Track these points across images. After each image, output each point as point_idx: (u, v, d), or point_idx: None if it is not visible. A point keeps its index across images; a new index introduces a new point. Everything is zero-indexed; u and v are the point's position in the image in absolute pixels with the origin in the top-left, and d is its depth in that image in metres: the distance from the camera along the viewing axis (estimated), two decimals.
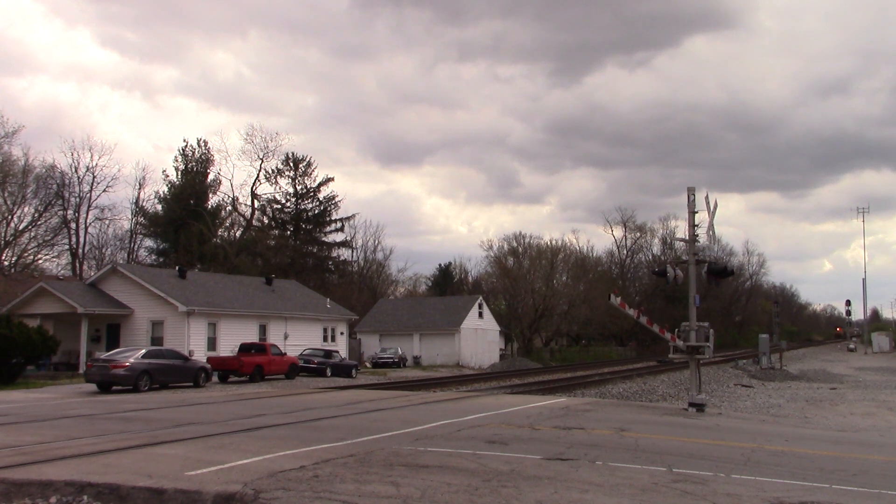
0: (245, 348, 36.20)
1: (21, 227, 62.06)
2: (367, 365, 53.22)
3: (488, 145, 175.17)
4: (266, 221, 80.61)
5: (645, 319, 21.46)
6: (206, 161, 75.79)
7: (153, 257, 72.73)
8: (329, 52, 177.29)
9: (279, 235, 78.77)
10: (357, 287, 78.43)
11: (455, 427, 14.54)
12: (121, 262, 63.80)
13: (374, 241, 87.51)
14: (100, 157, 78.76)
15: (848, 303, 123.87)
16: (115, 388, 27.24)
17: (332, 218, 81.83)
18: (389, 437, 12.94)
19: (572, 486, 8.83)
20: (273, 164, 78.49)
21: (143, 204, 73.15)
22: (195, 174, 74.67)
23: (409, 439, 12.64)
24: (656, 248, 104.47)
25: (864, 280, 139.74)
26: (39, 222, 63.24)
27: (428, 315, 64.52)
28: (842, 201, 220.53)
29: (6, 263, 59.54)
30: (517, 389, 30.42)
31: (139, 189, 72.90)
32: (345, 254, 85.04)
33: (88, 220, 67.08)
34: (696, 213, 20.29)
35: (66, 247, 66.34)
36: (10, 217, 61.07)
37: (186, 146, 75.22)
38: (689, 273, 20.28)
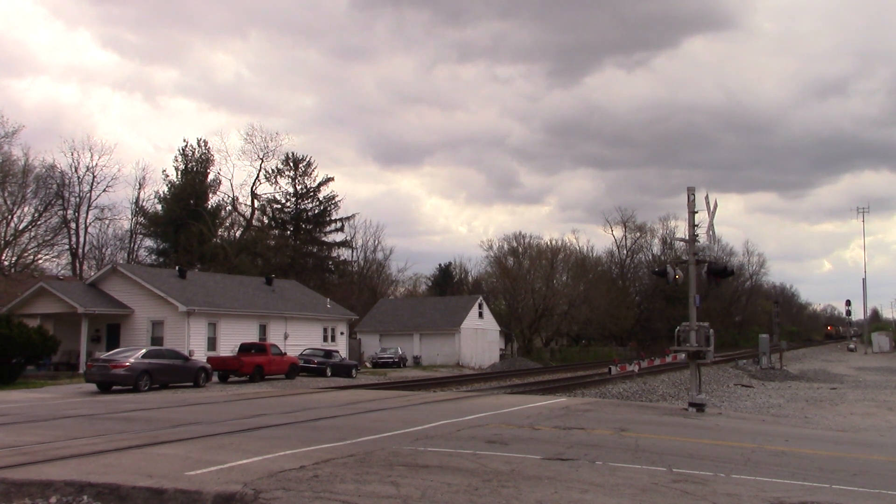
0: (245, 348, 36.18)
1: (21, 227, 62.05)
2: (367, 365, 53.21)
3: (488, 146, 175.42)
4: (266, 221, 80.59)
5: None
6: (206, 161, 75.78)
7: (153, 257, 72.70)
8: (329, 53, 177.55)
9: (279, 235, 78.74)
10: (357, 287, 78.39)
11: (455, 427, 14.54)
12: (121, 262, 63.77)
13: (374, 241, 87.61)
14: (100, 157, 78.68)
15: (848, 303, 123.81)
16: (115, 388, 27.23)
17: (332, 218, 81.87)
18: (389, 437, 12.94)
19: (572, 486, 8.83)
20: (273, 164, 78.62)
21: (143, 204, 73.21)
22: (195, 174, 74.61)
23: (409, 439, 12.63)
24: (656, 248, 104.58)
25: (864, 280, 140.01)
26: (39, 222, 63.25)
27: (428, 315, 64.50)
28: (840, 202, 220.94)
29: (6, 263, 59.51)
30: (517, 389, 30.41)
31: (139, 189, 72.97)
32: (345, 254, 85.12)
33: (88, 220, 67.15)
34: (696, 213, 20.30)
35: (66, 247, 66.38)
36: (10, 217, 61.07)
37: (186, 146, 75.28)
38: (689, 273, 20.28)
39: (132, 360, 27.37)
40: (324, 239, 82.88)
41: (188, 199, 72.32)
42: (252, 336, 41.44)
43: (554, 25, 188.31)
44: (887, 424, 22.04)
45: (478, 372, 51.01)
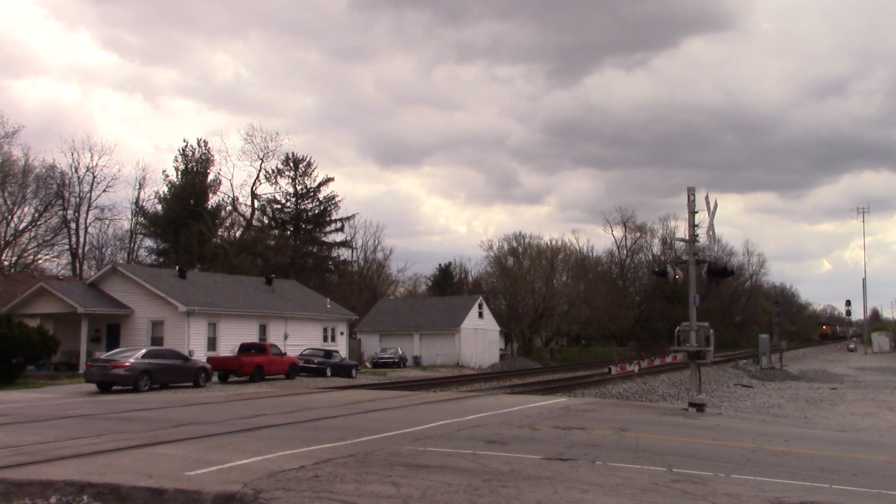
0: (245, 348, 36.18)
1: (21, 227, 62.07)
2: (367, 365, 53.20)
3: (487, 146, 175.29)
4: (266, 221, 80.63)
5: None
6: (206, 161, 75.81)
7: (153, 257, 72.71)
8: (328, 54, 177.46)
9: (279, 235, 78.76)
10: (357, 287, 78.36)
11: (455, 427, 14.54)
12: (121, 262, 63.75)
13: (374, 241, 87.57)
14: (100, 158, 78.27)
15: (848, 303, 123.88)
16: (115, 388, 27.23)
17: (332, 218, 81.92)
18: (389, 437, 12.94)
19: (572, 486, 8.83)
20: (273, 164, 78.69)
21: (143, 204, 73.25)
22: (195, 174, 74.63)
23: (409, 439, 12.63)
24: (656, 248, 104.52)
25: (864, 280, 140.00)
26: (39, 222, 63.26)
27: (428, 315, 64.51)
28: (840, 202, 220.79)
29: (6, 263, 59.51)
30: (517, 389, 30.41)
31: (139, 189, 72.98)
32: (345, 254, 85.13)
33: (88, 220, 67.16)
34: (696, 213, 20.31)
35: (66, 247, 66.39)
36: (10, 217, 61.08)
37: (186, 146, 75.30)
38: (689, 273, 20.28)
39: (132, 360, 27.37)
40: (324, 239, 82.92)
41: (188, 200, 72.33)
42: (252, 336, 41.44)
43: (553, 26, 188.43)
44: (887, 424, 22.04)
45: (478, 372, 51.00)
